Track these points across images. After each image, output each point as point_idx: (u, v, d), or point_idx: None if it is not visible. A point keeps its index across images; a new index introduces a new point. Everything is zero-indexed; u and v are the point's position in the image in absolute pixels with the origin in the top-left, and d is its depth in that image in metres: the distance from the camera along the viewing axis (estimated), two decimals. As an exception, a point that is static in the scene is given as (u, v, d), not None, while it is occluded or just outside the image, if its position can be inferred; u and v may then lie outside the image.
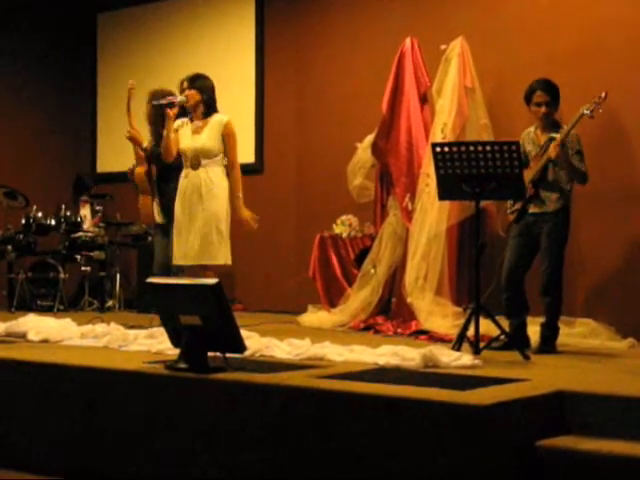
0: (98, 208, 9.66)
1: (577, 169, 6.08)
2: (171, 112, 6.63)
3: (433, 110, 7.54)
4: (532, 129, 6.35)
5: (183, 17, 10.22)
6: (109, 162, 10.74)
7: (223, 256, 6.59)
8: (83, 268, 9.24)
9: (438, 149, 5.68)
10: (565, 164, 6.03)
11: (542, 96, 6.20)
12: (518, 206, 6.21)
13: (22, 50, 10.50)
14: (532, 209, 6.17)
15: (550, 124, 6.22)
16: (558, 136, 6.02)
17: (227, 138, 6.64)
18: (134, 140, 7.24)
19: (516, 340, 5.92)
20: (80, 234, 9.32)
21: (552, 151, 5.98)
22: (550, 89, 6.22)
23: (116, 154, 10.41)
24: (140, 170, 7.31)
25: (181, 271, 6.81)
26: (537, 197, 6.13)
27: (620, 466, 3.72)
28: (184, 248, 6.63)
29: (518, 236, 6.26)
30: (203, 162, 6.60)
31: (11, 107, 10.39)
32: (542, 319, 6.18)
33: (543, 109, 6.19)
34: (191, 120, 6.72)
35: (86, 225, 9.48)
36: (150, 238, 9.35)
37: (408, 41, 7.68)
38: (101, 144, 10.96)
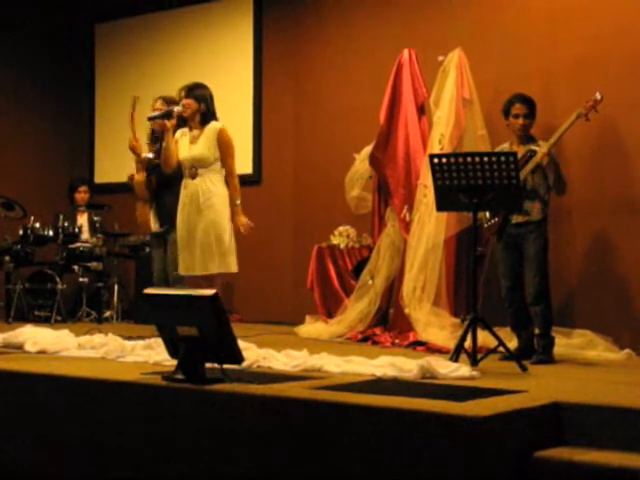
0: (96, 219, 9.65)
1: (562, 178, 6.20)
2: (169, 123, 6.65)
3: (430, 121, 7.55)
4: (506, 145, 6.44)
5: (180, 28, 10.23)
6: (107, 173, 10.75)
7: (226, 264, 6.57)
8: (81, 279, 9.22)
9: (436, 160, 5.68)
10: (552, 172, 6.12)
11: (521, 108, 6.34)
12: (499, 219, 6.25)
13: (20, 61, 10.52)
14: (515, 219, 6.23)
15: (526, 138, 6.35)
16: (547, 142, 6.15)
17: (222, 146, 6.64)
18: (133, 150, 7.27)
19: (527, 351, 6.07)
20: (78, 245, 9.31)
21: (543, 158, 6.05)
22: (528, 102, 6.39)
23: (114, 165, 10.42)
24: (140, 178, 7.32)
25: (179, 282, 6.81)
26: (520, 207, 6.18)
27: (616, 477, 3.71)
28: (187, 259, 6.63)
29: (505, 251, 6.33)
30: (200, 171, 6.61)
31: (8, 118, 10.40)
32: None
33: (521, 121, 6.33)
34: (190, 129, 6.74)
35: (83, 235, 9.48)
36: (148, 249, 9.37)
37: (406, 52, 7.70)
38: (99, 155, 10.97)
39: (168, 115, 6.69)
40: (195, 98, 6.65)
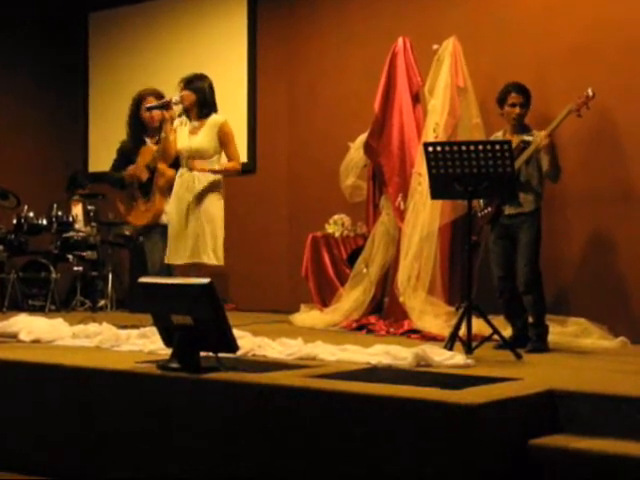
0: (90, 208, 9.63)
1: (558, 163, 6.21)
2: (167, 114, 6.65)
3: (425, 110, 7.54)
4: (500, 134, 6.44)
5: (175, 17, 10.21)
6: (101, 161, 10.69)
7: (215, 256, 6.60)
8: (75, 268, 9.21)
9: (430, 148, 5.69)
10: (548, 156, 6.11)
11: (517, 97, 6.35)
12: (492, 209, 6.26)
13: (12, 49, 10.47)
14: (508, 210, 6.24)
15: (521, 127, 6.36)
16: (544, 131, 6.16)
17: (224, 137, 6.67)
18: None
19: (521, 340, 6.08)
20: (72, 234, 9.30)
21: (543, 140, 6.05)
22: (524, 91, 6.40)
23: (108, 154, 10.36)
24: (170, 172, 7.15)
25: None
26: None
27: (611, 464, 3.73)
28: (177, 247, 6.64)
29: (498, 240, 6.35)
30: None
31: (1, 107, 10.36)
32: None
33: (517, 110, 6.34)
34: (190, 120, 6.73)
35: (78, 224, 9.46)
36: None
37: (400, 41, 7.68)
38: (93, 143, 10.94)
39: (166, 106, 6.68)
40: (193, 90, 6.65)
